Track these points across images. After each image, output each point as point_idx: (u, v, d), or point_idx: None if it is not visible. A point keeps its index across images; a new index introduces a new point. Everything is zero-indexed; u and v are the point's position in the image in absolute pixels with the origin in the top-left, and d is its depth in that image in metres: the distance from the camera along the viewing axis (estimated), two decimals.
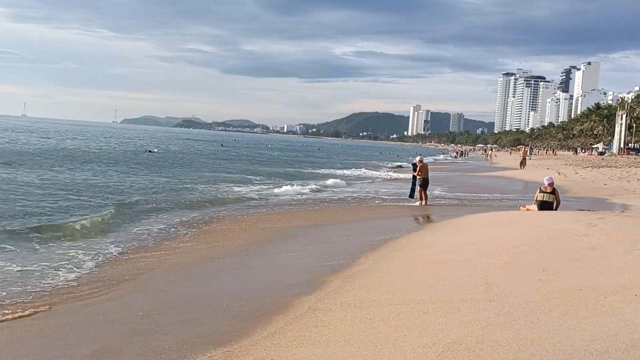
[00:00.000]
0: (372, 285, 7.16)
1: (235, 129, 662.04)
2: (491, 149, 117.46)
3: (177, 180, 27.23)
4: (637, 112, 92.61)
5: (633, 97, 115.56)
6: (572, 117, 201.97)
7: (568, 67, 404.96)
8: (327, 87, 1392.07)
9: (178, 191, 22.22)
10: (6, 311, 6.70)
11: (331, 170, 43.11)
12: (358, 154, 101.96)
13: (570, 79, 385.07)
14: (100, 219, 13.65)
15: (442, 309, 5.62)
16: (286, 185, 26.09)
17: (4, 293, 7.54)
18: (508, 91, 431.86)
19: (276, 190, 23.77)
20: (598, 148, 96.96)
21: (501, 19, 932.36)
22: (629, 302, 5.28)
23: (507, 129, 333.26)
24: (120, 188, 22.04)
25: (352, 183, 30.90)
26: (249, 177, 32.34)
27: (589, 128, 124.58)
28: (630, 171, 35.22)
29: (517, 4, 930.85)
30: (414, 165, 20.26)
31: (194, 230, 13.42)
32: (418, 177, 19.35)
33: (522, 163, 45.77)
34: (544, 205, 14.63)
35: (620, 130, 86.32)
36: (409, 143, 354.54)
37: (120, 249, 11.01)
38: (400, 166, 54.71)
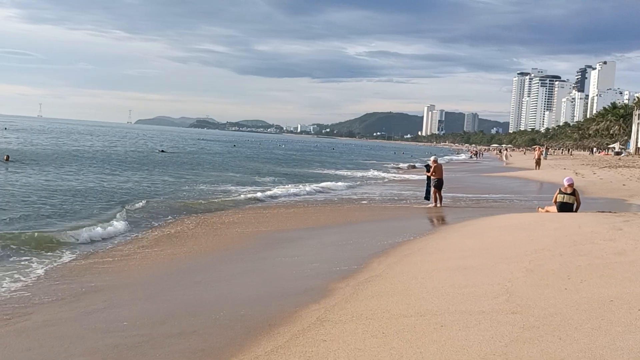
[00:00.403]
0: (385, 294, 6.75)
1: (249, 129, 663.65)
2: (506, 149, 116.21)
3: (183, 180, 26.92)
4: None
5: None
6: (588, 116, 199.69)
7: (583, 67, 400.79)
8: (340, 87, 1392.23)
9: (179, 192, 21.64)
10: None
11: (338, 171, 42.05)
12: (372, 154, 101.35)
13: (586, 78, 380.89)
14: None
15: (460, 321, 5.20)
16: (292, 186, 25.69)
17: None
18: (523, 91, 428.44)
19: (280, 191, 23.27)
20: (614, 148, 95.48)
21: (515, 18, 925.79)
22: None
23: (522, 129, 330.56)
24: (119, 190, 21.16)
25: (360, 184, 30.49)
26: (255, 177, 31.86)
27: (604, 128, 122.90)
28: None
29: (531, 3, 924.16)
30: (427, 166, 19.81)
31: (190, 233, 12.91)
32: (432, 177, 18.89)
33: (538, 163, 45.03)
34: (564, 207, 14.13)
35: (638, 130, 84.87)
36: (423, 143, 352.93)
37: (103, 251, 10.71)
38: (413, 166, 54.13)
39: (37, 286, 8.01)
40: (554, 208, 14.45)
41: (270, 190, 23.66)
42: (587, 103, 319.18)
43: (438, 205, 18.16)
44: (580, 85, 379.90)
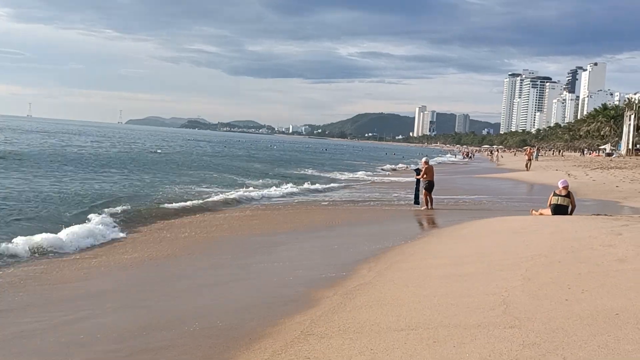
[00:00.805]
0: (375, 304, 6.36)
1: (240, 129, 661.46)
2: (497, 150, 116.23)
3: (166, 181, 25.52)
4: None
5: None
6: (579, 118, 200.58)
7: (574, 68, 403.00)
8: (332, 88, 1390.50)
9: (158, 194, 20.04)
10: None
11: (328, 173, 40.84)
12: (363, 155, 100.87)
13: (577, 79, 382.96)
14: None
15: (455, 336, 4.82)
16: (276, 187, 25.01)
17: None
18: (514, 92, 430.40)
19: (264, 193, 22.55)
20: (605, 149, 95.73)
21: (507, 19, 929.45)
22: None
23: (513, 130, 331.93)
24: (96, 192, 19.52)
25: (350, 186, 30.12)
26: (240, 178, 30.59)
27: (595, 129, 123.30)
28: None
29: (522, 4, 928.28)
30: (417, 170, 19.46)
31: (167, 238, 12.29)
32: (422, 180, 18.54)
33: (528, 164, 44.82)
34: (559, 210, 13.85)
35: (629, 131, 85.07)
36: (415, 144, 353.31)
37: (75, 257, 10.16)
38: (404, 168, 53.70)
39: (1, 295, 7.52)
40: (548, 211, 14.17)
41: (254, 191, 22.86)
42: (577, 104, 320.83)
43: (429, 207, 17.81)
44: (571, 86, 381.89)
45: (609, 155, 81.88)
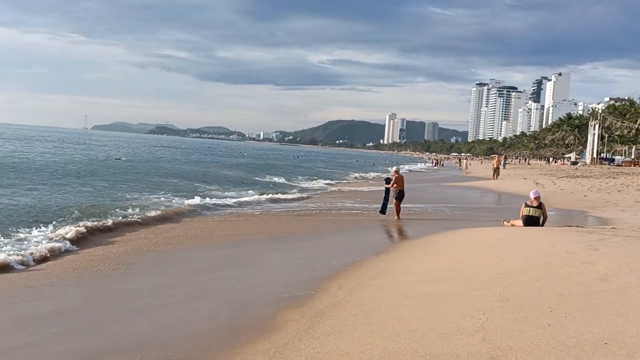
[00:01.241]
0: (345, 329, 5.88)
1: (210, 136, 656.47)
2: (465, 158, 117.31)
3: (124, 190, 24.06)
4: (608, 123, 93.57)
5: (604, 108, 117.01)
6: (544, 126, 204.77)
7: (539, 78, 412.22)
8: (303, 95, 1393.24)
9: (114, 204, 18.67)
10: None
11: (293, 181, 39.88)
12: (334, 162, 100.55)
13: (542, 89, 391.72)
14: None
15: None
16: (236, 193, 24.32)
17: None
18: (481, 101, 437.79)
19: (229, 201, 21.89)
20: (570, 158, 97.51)
21: (473, 29, 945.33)
22: None
23: (480, 138, 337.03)
24: (44, 204, 18.08)
25: (316, 194, 29.70)
26: (204, 185, 29.91)
27: (560, 138, 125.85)
28: (609, 182, 34.64)
29: (489, 16, 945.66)
30: (387, 179, 19.15)
31: (116, 251, 11.56)
32: (393, 189, 18.22)
33: (495, 173, 44.93)
34: (530, 221, 13.67)
35: (593, 140, 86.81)
36: (385, 151, 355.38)
37: (22, 275, 9.49)
38: (375, 177, 53.56)
39: None
40: (519, 222, 13.97)
41: (217, 199, 22.12)
42: (542, 113, 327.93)
43: (398, 217, 17.46)
44: (536, 96, 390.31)
45: (574, 163, 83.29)
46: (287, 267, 10.24)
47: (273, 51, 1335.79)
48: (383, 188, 19.09)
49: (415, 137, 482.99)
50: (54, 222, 14.15)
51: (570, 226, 13.55)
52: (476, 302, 6.28)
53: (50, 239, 11.97)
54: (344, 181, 44.58)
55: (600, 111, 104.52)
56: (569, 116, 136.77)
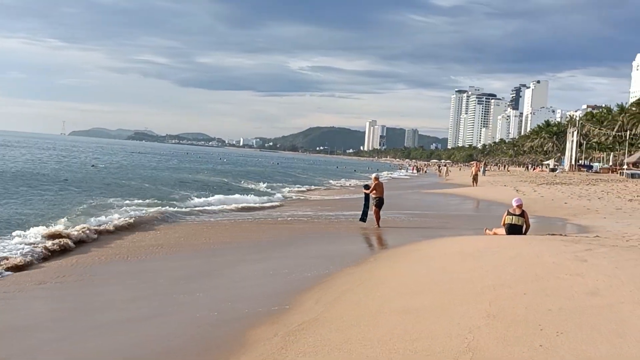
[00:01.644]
0: (322, 349, 5.41)
1: (189, 142, 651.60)
2: (445, 165, 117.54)
3: (93, 198, 22.90)
4: (586, 130, 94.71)
5: (582, 115, 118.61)
6: (522, 133, 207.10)
7: (518, 86, 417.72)
8: (283, 101, 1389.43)
9: (82, 212, 17.96)
10: None
11: (274, 188, 38.56)
12: (313, 168, 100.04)
13: (520, 97, 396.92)
14: None
15: None
16: (205, 199, 23.68)
17: None
18: (461, 108, 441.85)
19: (201, 207, 21.38)
20: (549, 164, 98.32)
21: (453, 37, 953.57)
22: None
23: (460, 145, 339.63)
24: (19, 212, 17.59)
25: (293, 201, 29.23)
26: (177, 191, 29.16)
27: (539, 145, 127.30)
28: (589, 189, 34.71)
29: (468, 24, 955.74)
30: (367, 185, 18.78)
31: (80, 263, 10.97)
32: (373, 196, 17.82)
33: (475, 180, 44.79)
34: (513, 229, 13.37)
35: (572, 147, 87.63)
36: (365, 158, 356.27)
37: None
38: (355, 184, 53.23)
39: None
40: (502, 230, 13.67)
41: (189, 207, 21.55)
42: (521, 120, 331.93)
43: (377, 225, 17.05)
44: (515, 103, 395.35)
45: (552, 170, 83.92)
46: (261, 279, 9.75)
47: (253, 57, 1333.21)
48: (363, 195, 18.71)
49: (396, 143, 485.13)
50: (18, 232, 13.42)
51: (553, 234, 13.26)
52: (461, 318, 5.86)
53: (11, 251, 11.27)
54: (323, 188, 44.13)
55: (578, 118, 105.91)
56: (547, 123, 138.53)
